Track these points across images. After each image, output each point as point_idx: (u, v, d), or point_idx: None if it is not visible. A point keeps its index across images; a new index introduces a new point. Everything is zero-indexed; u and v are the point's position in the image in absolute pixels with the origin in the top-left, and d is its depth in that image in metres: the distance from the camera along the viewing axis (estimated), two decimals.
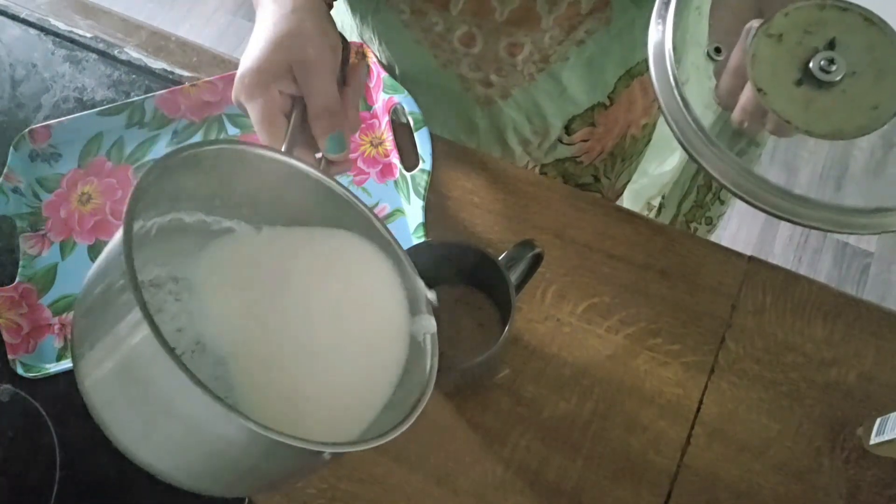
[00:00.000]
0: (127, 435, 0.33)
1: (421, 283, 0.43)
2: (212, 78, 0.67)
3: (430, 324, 0.43)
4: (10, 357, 0.57)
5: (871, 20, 0.38)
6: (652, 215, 0.86)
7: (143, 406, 0.33)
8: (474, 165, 0.64)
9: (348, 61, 0.49)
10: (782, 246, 1.50)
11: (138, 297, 0.30)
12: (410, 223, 0.61)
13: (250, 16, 0.54)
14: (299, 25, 0.45)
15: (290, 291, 0.42)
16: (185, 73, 0.71)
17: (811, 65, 0.38)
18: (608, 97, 0.70)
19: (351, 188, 0.48)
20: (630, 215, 0.61)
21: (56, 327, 0.59)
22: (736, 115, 0.40)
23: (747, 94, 0.39)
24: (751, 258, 0.59)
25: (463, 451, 0.54)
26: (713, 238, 0.72)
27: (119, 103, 0.67)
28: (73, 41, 0.73)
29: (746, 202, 0.39)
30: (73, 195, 0.65)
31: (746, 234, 1.50)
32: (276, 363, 0.39)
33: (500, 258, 0.50)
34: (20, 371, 0.56)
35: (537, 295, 0.58)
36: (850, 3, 0.38)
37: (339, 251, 0.44)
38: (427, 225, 0.60)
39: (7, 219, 0.64)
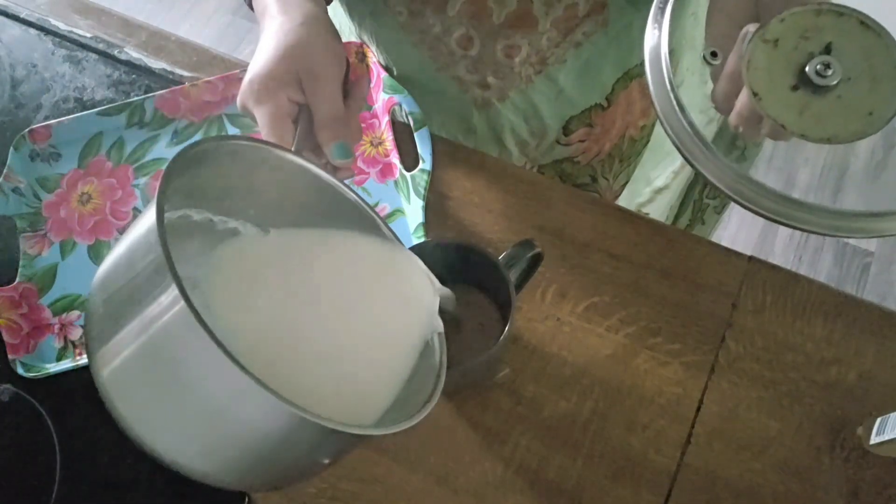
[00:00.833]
0: (147, 424, 0.33)
1: (437, 282, 0.44)
2: (212, 78, 0.67)
3: (437, 323, 0.44)
4: (10, 357, 0.57)
5: (867, 25, 0.38)
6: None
7: (170, 388, 0.33)
8: (474, 165, 0.64)
9: (348, 75, 0.50)
10: (782, 245, 1.50)
11: (173, 271, 0.30)
12: (410, 223, 0.61)
13: (250, 16, 0.54)
14: (309, 37, 0.47)
15: (303, 291, 0.42)
16: (185, 73, 0.71)
17: (807, 69, 0.38)
18: (606, 98, 0.70)
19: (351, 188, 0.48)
20: (630, 215, 0.62)
21: (56, 327, 0.59)
22: (732, 119, 0.40)
23: (743, 98, 0.39)
24: (751, 258, 0.59)
25: (463, 451, 0.54)
26: (713, 238, 0.72)
27: (119, 103, 0.67)
28: (73, 41, 0.73)
29: (742, 206, 0.39)
30: (73, 195, 0.65)
31: (746, 234, 1.50)
32: (288, 362, 0.39)
33: (500, 258, 0.50)
34: (20, 371, 0.56)
35: (537, 294, 0.58)
36: (847, 9, 0.38)
37: (353, 251, 0.45)
38: (427, 225, 0.60)
39: (7, 219, 0.64)
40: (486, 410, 0.55)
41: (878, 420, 0.49)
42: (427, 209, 0.61)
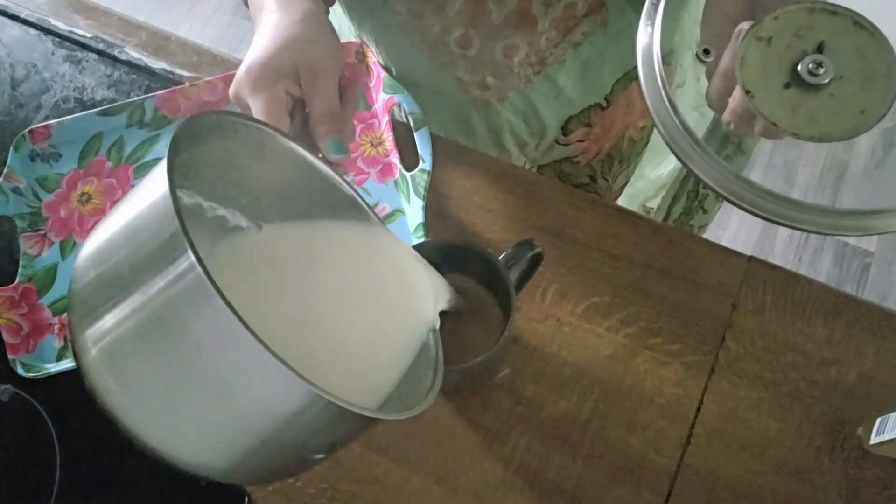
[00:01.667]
0: (142, 406, 0.32)
1: (442, 279, 0.45)
2: (212, 78, 0.67)
3: (434, 318, 0.44)
4: (10, 357, 0.57)
5: (860, 24, 0.38)
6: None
7: (174, 362, 0.31)
8: (474, 165, 0.64)
9: (344, 74, 0.51)
10: (782, 245, 1.50)
11: (188, 237, 0.29)
12: (410, 223, 0.61)
13: (250, 16, 0.54)
14: (308, 33, 0.47)
15: (301, 285, 0.42)
16: (185, 73, 0.71)
17: (799, 68, 0.38)
18: (605, 99, 0.70)
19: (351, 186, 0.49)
20: (630, 215, 0.61)
21: (56, 327, 0.59)
22: (725, 117, 0.41)
23: (736, 96, 0.39)
24: (751, 258, 0.59)
25: (463, 451, 0.54)
26: (713, 238, 0.72)
27: (119, 103, 0.67)
28: (73, 41, 0.73)
29: (734, 205, 0.39)
30: (73, 195, 0.65)
31: (746, 234, 1.50)
32: (289, 356, 0.39)
33: (500, 258, 0.50)
34: (20, 371, 0.56)
35: (537, 294, 0.58)
36: (840, 7, 0.39)
37: (350, 244, 0.45)
38: (427, 225, 0.61)
39: (7, 219, 0.64)
40: (486, 410, 0.55)
41: (878, 420, 0.49)
42: (427, 209, 0.61)
